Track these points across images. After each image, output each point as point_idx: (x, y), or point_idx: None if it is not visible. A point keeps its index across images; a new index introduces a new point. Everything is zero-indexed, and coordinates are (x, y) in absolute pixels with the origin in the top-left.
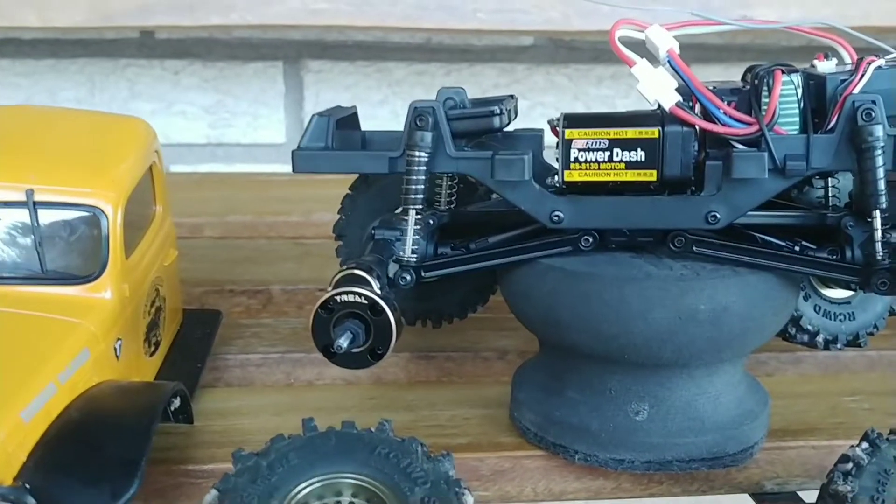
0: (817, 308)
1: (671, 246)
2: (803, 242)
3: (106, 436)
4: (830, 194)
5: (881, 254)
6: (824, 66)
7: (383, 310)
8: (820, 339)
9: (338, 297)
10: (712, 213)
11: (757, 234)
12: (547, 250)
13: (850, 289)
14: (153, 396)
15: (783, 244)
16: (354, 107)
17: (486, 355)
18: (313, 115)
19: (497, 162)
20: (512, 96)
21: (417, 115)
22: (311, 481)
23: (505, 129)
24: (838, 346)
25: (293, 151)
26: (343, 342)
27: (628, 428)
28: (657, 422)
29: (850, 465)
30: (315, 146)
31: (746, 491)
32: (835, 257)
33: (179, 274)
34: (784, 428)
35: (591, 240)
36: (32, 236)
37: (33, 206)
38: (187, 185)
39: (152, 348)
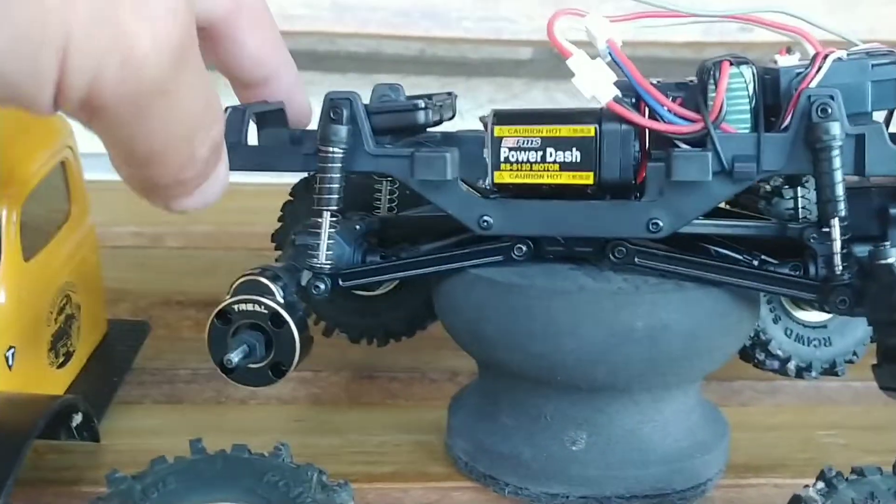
0: (788, 332)
1: (611, 257)
2: (763, 257)
3: None
4: (800, 205)
5: (840, 268)
6: (786, 62)
7: (286, 321)
8: (791, 365)
9: (235, 306)
10: (654, 221)
11: (711, 247)
12: (476, 259)
13: (819, 309)
14: (33, 411)
15: (740, 258)
16: (281, 102)
17: (435, 376)
18: (227, 108)
19: (417, 159)
20: (449, 93)
21: (332, 106)
22: None
23: (446, 130)
24: (812, 374)
25: None
26: (234, 357)
27: (563, 458)
28: (595, 452)
29: None
30: (229, 142)
31: None
32: (797, 273)
33: (104, 282)
34: (746, 463)
35: (524, 248)
36: None
37: None
38: None
39: (61, 359)
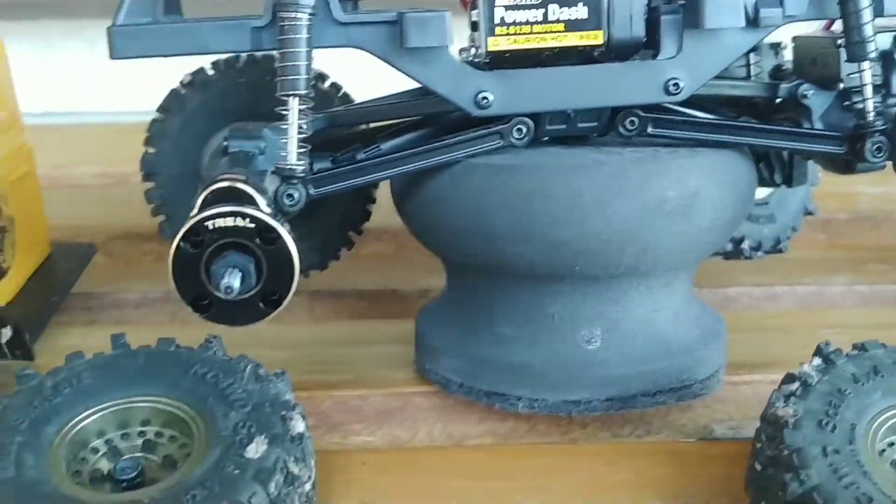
0: None
1: (622, 129)
2: (749, 119)
3: None
4: (753, 73)
5: (872, 114)
6: None
7: (278, 235)
8: (745, 245)
9: (209, 223)
10: (673, 81)
11: (693, 112)
12: (470, 147)
13: (836, 163)
14: None
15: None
16: None
17: (405, 294)
18: None
19: (410, 22)
20: None
21: None
22: (104, 405)
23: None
24: (760, 253)
25: (108, 29)
26: (233, 281)
27: (582, 361)
28: (615, 349)
29: (795, 385)
30: (139, 22)
31: (692, 436)
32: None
33: (63, 219)
34: (741, 361)
35: (524, 129)
36: None
37: None
38: (119, 135)
39: None
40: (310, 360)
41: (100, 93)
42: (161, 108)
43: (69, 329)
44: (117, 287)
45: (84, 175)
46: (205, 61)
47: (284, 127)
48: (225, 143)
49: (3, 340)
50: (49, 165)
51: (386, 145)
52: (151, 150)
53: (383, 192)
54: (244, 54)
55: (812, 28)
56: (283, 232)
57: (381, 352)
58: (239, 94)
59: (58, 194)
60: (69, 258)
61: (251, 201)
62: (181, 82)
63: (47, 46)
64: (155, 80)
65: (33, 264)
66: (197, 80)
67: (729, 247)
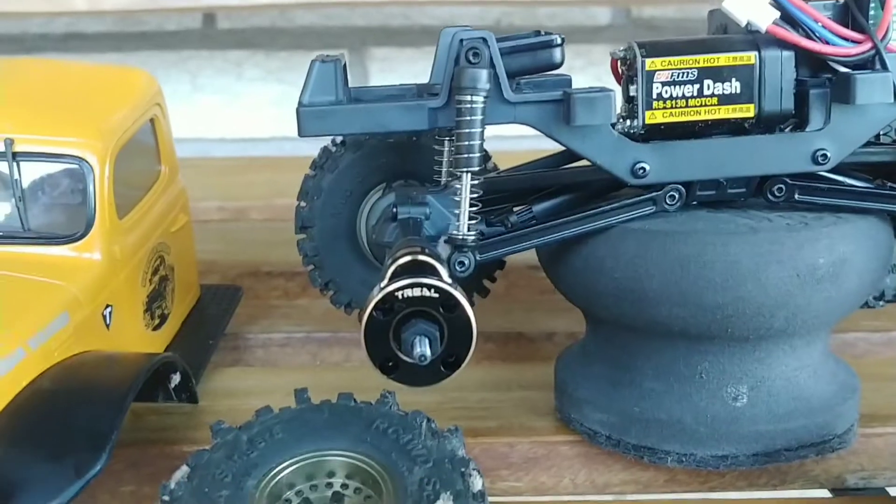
0: None
1: (770, 195)
2: (889, 183)
3: (76, 407)
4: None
5: None
6: None
7: (458, 303)
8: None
9: (399, 293)
10: (821, 152)
11: (837, 178)
12: (625, 213)
13: None
14: (135, 367)
15: (868, 185)
16: (342, 54)
17: (532, 337)
18: (313, 62)
19: (576, 102)
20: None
21: (469, 47)
22: (295, 459)
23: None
24: (882, 302)
25: (298, 109)
26: (425, 349)
27: (730, 417)
28: (761, 406)
29: None
30: (324, 101)
31: (826, 486)
32: None
33: (196, 249)
34: (870, 413)
35: (676, 196)
36: (13, 191)
37: (13, 156)
38: (234, 169)
39: (156, 321)
40: (455, 406)
41: (202, 123)
42: (314, 165)
43: (223, 371)
44: (262, 327)
45: (206, 210)
46: None
47: (457, 199)
48: (393, 209)
49: (172, 385)
50: None
51: (537, 208)
52: (304, 205)
53: None
54: None
55: None
56: (463, 300)
57: (522, 397)
58: (387, 154)
59: None
60: (218, 300)
61: (434, 271)
62: (332, 141)
63: None
64: (252, 112)
65: (187, 308)
66: (349, 140)
67: None
